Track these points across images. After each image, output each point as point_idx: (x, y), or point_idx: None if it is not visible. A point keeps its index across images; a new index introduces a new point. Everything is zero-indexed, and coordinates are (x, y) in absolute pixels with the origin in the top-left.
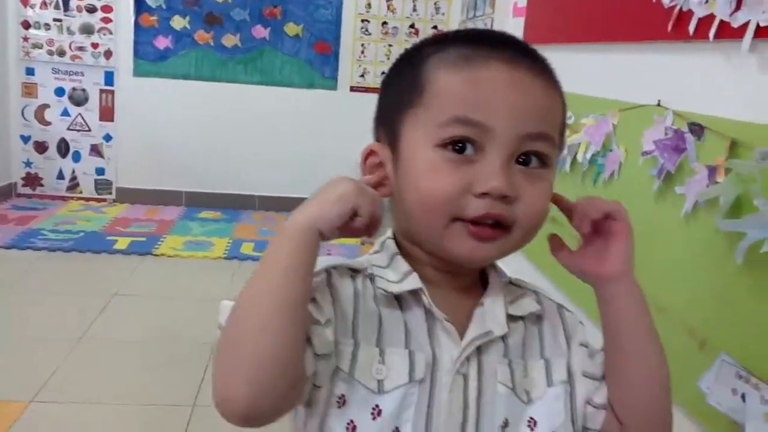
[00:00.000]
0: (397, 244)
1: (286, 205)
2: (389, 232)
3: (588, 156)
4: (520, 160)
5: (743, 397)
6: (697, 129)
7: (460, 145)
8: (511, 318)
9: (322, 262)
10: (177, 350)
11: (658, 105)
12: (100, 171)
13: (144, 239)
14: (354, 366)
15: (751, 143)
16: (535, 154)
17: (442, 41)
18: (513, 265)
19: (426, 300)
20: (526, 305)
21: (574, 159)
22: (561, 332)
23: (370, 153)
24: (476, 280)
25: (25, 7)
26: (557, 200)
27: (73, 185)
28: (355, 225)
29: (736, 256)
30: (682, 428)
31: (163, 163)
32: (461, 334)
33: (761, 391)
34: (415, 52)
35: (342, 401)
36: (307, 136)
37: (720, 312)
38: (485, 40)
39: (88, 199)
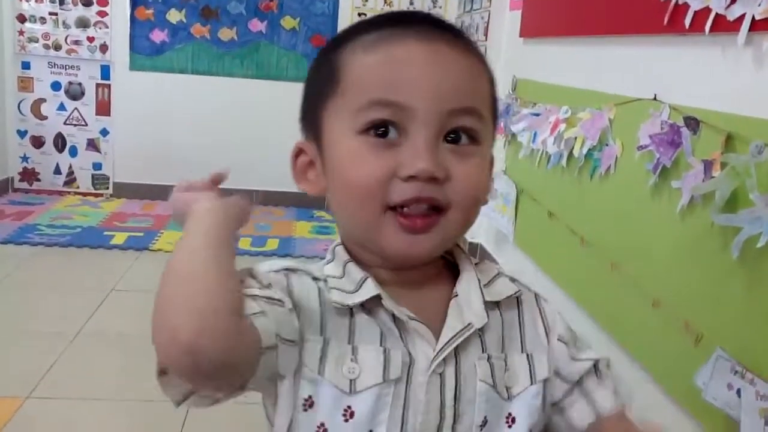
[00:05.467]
0: (347, 249)
1: (283, 199)
2: (338, 239)
3: (584, 151)
4: (449, 138)
5: (738, 392)
6: (693, 123)
7: (383, 129)
8: (489, 305)
9: (281, 263)
10: None
11: (654, 99)
12: (97, 166)
13: (141, 234)
14: (323, 364)
15: (746, 137)
16: (463, 131)
17: (358, 27)
18: (513, 266)
19: (387, 304)
20: (503, 288)
21: (571, 153)
22: (540, 323)
23: (299, 152)
24: (441, 267)
25: (21, 0)
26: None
27: (70, 180)
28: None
29: (731, 251)
30: (678, 424)
31: (160, 157)
32: (437, 329)
33: (756, 386)
34: (333, 42)
35: (309, 403)
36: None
37: (715, 307)
38: (401, 18)
39: (85, 194)
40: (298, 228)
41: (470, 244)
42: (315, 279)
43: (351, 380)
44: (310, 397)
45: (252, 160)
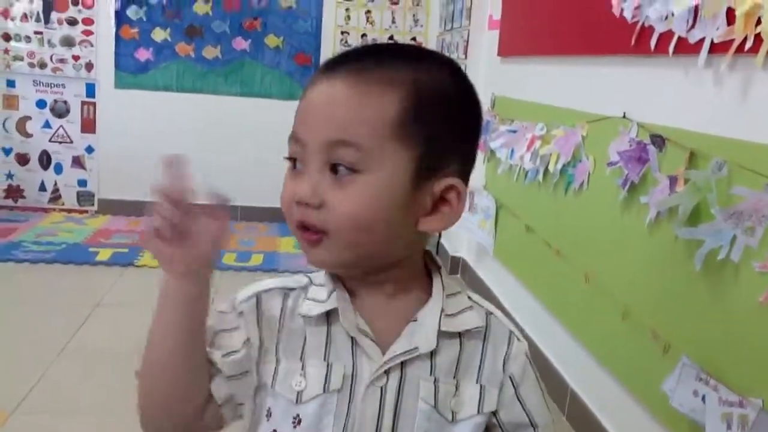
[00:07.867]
0: None
1: (268, 215)
2: None
3: (559, 167)
4: (336, 168)
5: (703, 398)
6: (659, 140)
7: (294, 159)
8: (445, 334)
9: (259, 285)
10: None
11: (624, 117)
12: (82, 183)
13: (126, 250)
14: (275, 380)
15: (708, 154)
16: (340, 162)
17: (325, 62)
18: (492, 278)
19: (343, 319)
20: (464, 321)
21: (546, 169)
22: (501, 360)
23: None
24: (410, 287)
25: (6, 19)
26: None
27: (55, 197)
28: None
29: (695, 263)
30: (648, 431)
31: (145, 174)
32: (388, 344)
33: (719, 392)
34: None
35: (269, 413)
36: (287, 147)
37: (682, 317)
38: (336, 58)
39: (70, 211)
40: (282, 243)
41: (452, 257)
42: (288, 291)
43: (298, 392)
44: (269, 408)
45: (235, 175)
